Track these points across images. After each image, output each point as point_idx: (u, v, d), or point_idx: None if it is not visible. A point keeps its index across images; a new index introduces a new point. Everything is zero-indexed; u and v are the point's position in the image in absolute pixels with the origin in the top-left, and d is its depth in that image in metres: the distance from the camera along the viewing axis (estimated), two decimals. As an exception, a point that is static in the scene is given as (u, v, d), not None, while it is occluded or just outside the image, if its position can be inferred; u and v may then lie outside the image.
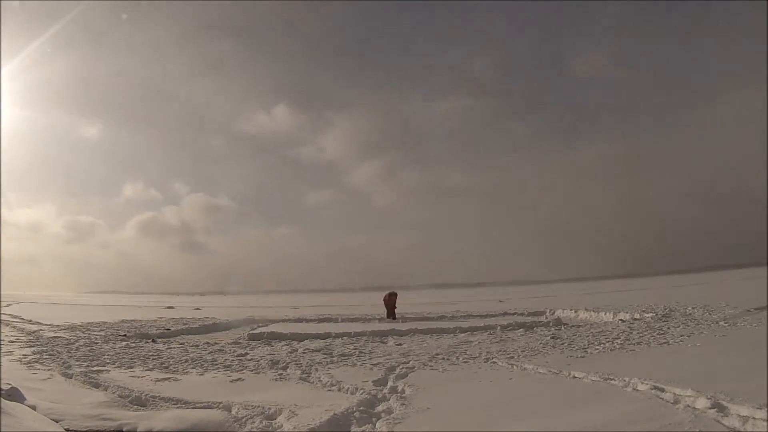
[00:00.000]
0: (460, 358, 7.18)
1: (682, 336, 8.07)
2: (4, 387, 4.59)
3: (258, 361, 7.46)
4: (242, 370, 6.78)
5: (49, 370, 6.59)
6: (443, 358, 7.25)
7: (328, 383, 5.70)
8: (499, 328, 11.05)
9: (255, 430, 4.02)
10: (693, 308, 12.74)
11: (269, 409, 4.46)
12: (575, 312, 14.94)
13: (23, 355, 7.88)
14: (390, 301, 16.09)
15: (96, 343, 9.63)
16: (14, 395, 4.52)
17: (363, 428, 3.96)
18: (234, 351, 8.73)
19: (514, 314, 15.97)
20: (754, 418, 3.42)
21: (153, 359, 7.73)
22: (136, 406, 4.74)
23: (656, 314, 11.95)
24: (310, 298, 50.72)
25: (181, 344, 9.93)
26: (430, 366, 6.64)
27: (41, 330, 12.05)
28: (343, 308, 23.30)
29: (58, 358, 7.71)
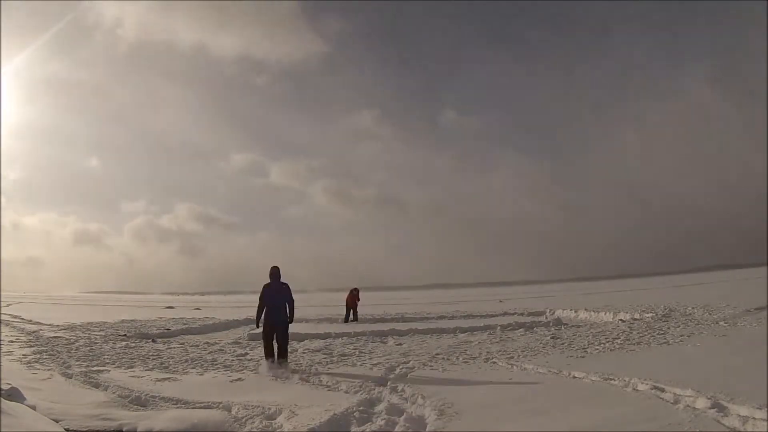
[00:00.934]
0: (460, 358, 7.18)
1: (682, 336, 8.07)
2: (4, 387, 4.58)
3: (258, 361, 7.45)
4: (242, 370, 6.79)
5: (49, 370, 6.58)
6: (443, 358, 7.24)
7: (328, 383, 5.71)
8: (499, 328, 11.04)
9: (255, 430, 4.02)
10: (693, 308, 12.73)
11: (269, 409, 4.46)
12: (575, 312, 14.93)
13: (23, 355, 7.87)
14: (353, 300, 15.11)
15: (96, 343, 9.62)
16: (14, 395, 4.51)
17: (363, 428, 3.95)
18: (234, 351, 8.73)
19: (514, 314, 15.98)
20: (754, 418, 3.42)
21: (153, 359, 7.73)
22: (136, 406, 4.75)
23: (656, 314, 11.94)
24: (310, 298, 50.62)
25: (181, 344, 9.92)
26: (430, 366, 6.64)
27: (41, 330, 12.04)
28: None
29: (58, 358, 7.70)
